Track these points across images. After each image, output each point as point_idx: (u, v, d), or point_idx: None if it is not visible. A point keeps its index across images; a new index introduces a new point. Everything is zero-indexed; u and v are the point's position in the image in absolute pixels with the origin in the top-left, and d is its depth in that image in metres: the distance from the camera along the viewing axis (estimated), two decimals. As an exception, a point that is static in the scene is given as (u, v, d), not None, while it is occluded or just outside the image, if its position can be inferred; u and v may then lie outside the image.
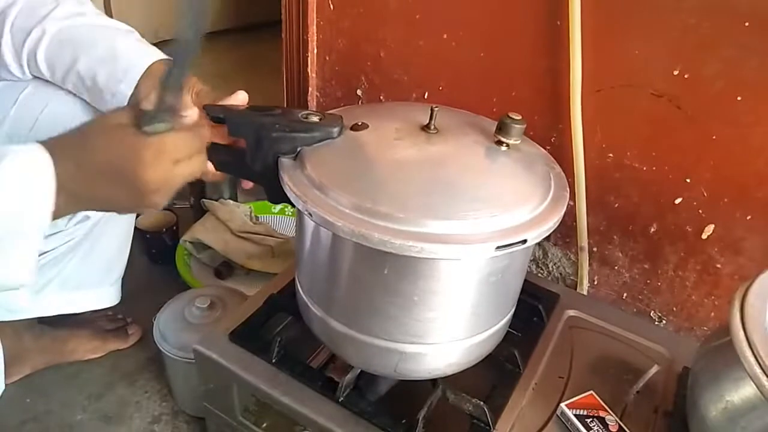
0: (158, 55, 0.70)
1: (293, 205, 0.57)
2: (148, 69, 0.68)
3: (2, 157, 0.47)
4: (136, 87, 0.67)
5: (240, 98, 0.65)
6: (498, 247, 0.52)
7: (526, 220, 0.55)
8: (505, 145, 0.61)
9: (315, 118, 0.61)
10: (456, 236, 0.51)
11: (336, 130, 0.61)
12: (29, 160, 0.48)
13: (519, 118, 0.60)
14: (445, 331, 0.61)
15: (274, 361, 0.70)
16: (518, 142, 0.61)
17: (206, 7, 0.47)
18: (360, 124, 0.63)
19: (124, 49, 0.69)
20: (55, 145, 0.49)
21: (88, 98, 0.73)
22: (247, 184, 0.67)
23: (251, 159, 0.61)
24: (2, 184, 0.47)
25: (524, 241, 0.53)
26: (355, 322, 0.62)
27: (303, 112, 0.62)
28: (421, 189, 0.55)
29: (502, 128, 0.60)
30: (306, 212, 0.54)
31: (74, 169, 0.49)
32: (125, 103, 0.67)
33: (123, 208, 0.54)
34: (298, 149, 0.60)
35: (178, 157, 0.51)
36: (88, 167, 0.49)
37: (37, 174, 0.47)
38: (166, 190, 0.52)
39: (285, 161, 0.60)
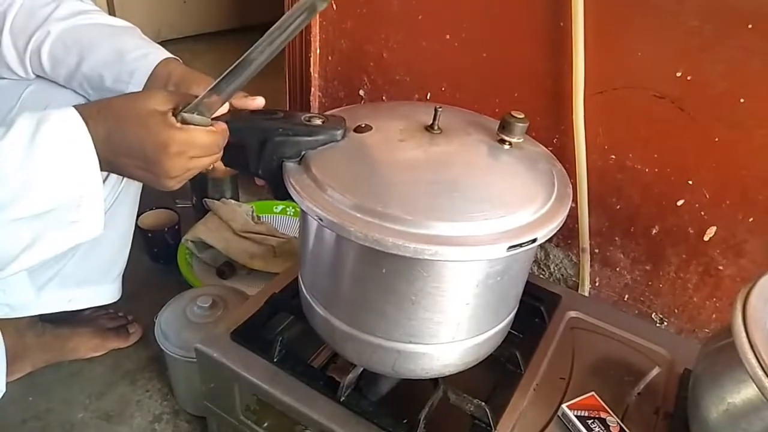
0: (163, 54, 0.70)
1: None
2: (154, 69, 0.68)
3: (42, 121, 0.50)
4: (143, 88, 0.68)
5: (257, 103, 0.65)
6: (510, 247, 0.52)
7: (535, 218, 0.55)
8: (507, 143, 0.61)
9: (318, 121, 0.61)
10: (466, 238, 0.51)
11: (339, 132, 0.61)
12: (67, 121, 0.51)
13: (521, 116, 0.61)
14: (444, 332, 0.61)
15: (275, 360, 0.70)
16: (521, 140, 0.62)
17: (284, 39, 0.52)
18: (363, 126, 0.63)
19: (129, 50, 0.69)
20: (90, 111, 0.52)
21: (94, 98, 0.73)
22: (260, 182, 0.67)
23: (255, 163, 0.61)
24: (49, 147, 0.50)
25: (534, 240, 0.53)
26: (356, 321, 0.62)
27: (305, 115, 0.62)
28: (429, 191, 0.55)
29: (504, 127, 0.61)
30: (316, 217, 0.54)
31: (104, 138, 0.52)
32: None
33: (139, 180, 0.57)
34: (302, 153, 0.60)
35: (197, 154, 0.55)
36: (116, 141, 0.53)
37: (76, 137, 0.51)
38: (180, 178, 0.57)
39: (290, 165, 0.59)
